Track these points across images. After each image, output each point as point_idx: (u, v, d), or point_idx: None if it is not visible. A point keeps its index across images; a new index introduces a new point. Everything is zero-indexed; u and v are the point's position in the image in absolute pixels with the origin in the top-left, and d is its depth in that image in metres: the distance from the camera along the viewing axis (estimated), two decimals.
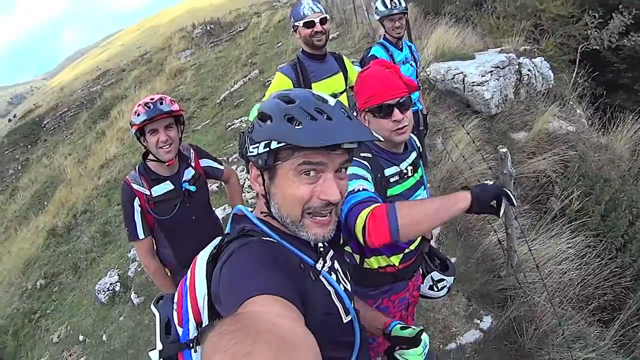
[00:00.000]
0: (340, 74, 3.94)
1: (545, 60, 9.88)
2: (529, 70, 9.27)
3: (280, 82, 3.68)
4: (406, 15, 4.98)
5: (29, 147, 31.31)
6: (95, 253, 9.24)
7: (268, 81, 14.03)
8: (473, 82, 8.51)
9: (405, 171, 2.40)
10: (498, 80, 8.67)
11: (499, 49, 10.26)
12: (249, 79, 16.27)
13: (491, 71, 8.68)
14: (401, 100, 2.25)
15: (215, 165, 3.67)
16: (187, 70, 23.16)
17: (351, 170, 2.13)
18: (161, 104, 3.08)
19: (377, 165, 2.28)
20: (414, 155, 2.49)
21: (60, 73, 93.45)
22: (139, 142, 3.18)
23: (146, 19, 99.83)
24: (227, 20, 34.41)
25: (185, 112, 16.43)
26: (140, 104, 3.12)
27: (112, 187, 12.70)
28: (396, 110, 2.22)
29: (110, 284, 7.43)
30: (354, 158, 2.00)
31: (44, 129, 32.47)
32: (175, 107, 3.16)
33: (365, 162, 2.21)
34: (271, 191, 1.45)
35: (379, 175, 2.27)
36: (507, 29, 12.16)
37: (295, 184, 1.39)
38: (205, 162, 3.60)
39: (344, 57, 4.11)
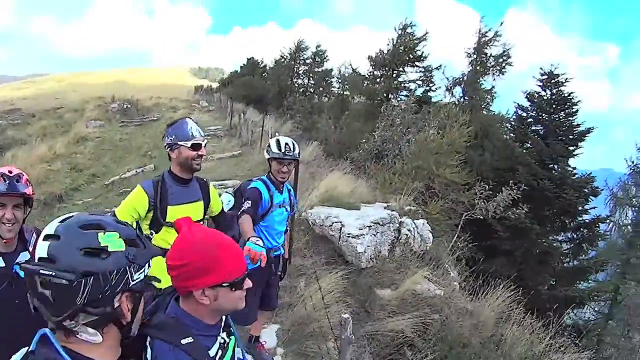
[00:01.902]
0: (201, 203, 3.81)
1: (427, 222, 9.83)
2: (408, 230, 9.12)
3: (137, 197, 3.57)
4: (296, 162, 4.83)
5: None
6: None
7: None
8: (349, 234, 8.21)
9: (223, 341, 2.08)
10: (375, 235, 8.44)
11: (385, 204, 10.23)
12: (143, 171, 16.37)
13: (370, 226, 8.46)
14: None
15: None
16: (90, 140, 23.25)
17: None
18: (17, 181, 2.98)
19: (201, 348, 1.90)
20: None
21: None
22: None
23: (78, 73, 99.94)
24: (144, 105, 35.00)
25: (73, 182, 16.29)
26: None
27: None
28: (247, 279, 1.98)
29: None
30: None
31: None
32: (29, 190, 3.05)
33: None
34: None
35: None
36: (400, 186, 12.24)
37: None
38: None
39: (211, 186, 4.00)
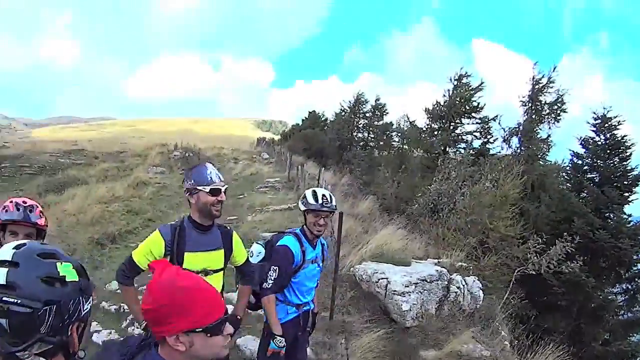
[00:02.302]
0: (221, 251, 3.71)
1: (479, 279, 9.62)
2: (458, 287, 8.92)
3: (154, 241, 3.54)
4: (332, 214, 4.58)
5: None
6: None
7: None
8: (395, 291, 8.10)
9: None
10: (422, 293, 8.30)
11: (436, 260, 10.07)
12: None
13: (417, 283, 8.34)
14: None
15: None
16: (149, 185, 23.52)
17: None
18: (31, 212, 3.14)
19: None
20: None
21: (43, 128, 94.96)
22: None
23: (144, 119, 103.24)
24: (206, 154, 35.40)
25: (128, 225, 16.49)
26: (12, 201, 3.19)
27: None
28: (227, 325, 1.84)
29: None
30: None
31: None
32: (42, 221, 3.21)
33: None
34: None
35: None
36: (453, 242, 12.12)
37: None
38: None
39: (234, 235, 3.86)
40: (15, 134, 74.87)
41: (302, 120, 50.22)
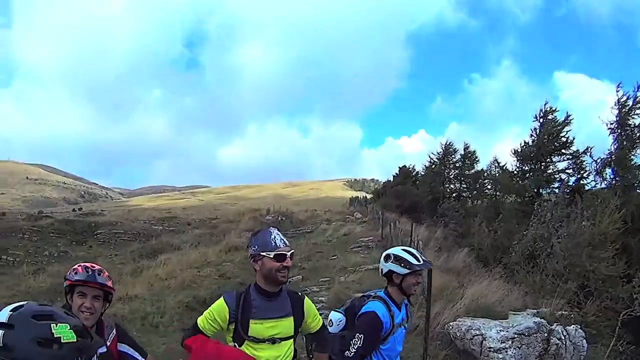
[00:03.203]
0: (291, 319, 3.56)
1: (581, 328, 9.08)
2: (559, 339, 8.41)
3: (218, 308, 3.47)
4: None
5: (73, 243, 32.49)
6: None
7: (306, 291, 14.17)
8: (490, 348, 7.78)
9: None
10: (520, 348, 7.90)
11: (535, 311, 9.63)
12: (290, 281, 16.43)
13: (514, 338, 7.95)
14: None
15: (134, 354, 3.49)
16: (242, 250, 23.55)
17: None
18: (99, 274, 3.27)
19: None
20: None
21: (138, 198, 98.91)
22: (65, 297, 3.33)
23: (236, 186, 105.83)
24: (299, 217, 35.95)
25: (219, 289, 16.15)
26: (81, 265, 3.33)
27: None
28: None
29: None
30: None
31: (95, 236, 33.94)
32: (109, 283, 3.35)
33: None
34: None
35: None
36: (551, 289, 11.64)
37: None
38: (123, 347, 3.46)
39: (306, 301, 3.74)
40: (111, 203, 79.28)
41: (394, 176, 50.12)
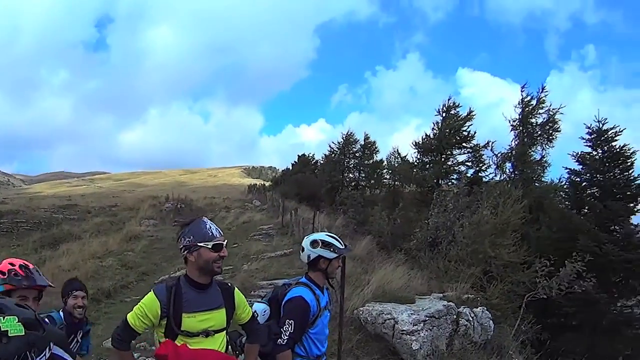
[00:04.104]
0: (223, 311, 3.42)
1: (487, 309, 9.44)
2: (467, 320, 8.71)
3: (148, 304, 3.28)
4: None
5: None
6: None
7: None
8: (403, 331, 7.86)
9: None
10: (431, 330, 8.05)
11: (441, 295, 9.90)
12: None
13: (425, 320, 8.09)
14: None
15: (66, 357, 3.16)
16: (142, 238, 23.75)
17: None
18: (39, 275, 3.34)
19: None
20: None
21: (39, 184, 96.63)
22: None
23: (135, 172, 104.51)
24: (198, 205, 35.97)
25: (122, 280, 16.44)
26: (17, 265, 3.29)
27: None
28: None
29: None
30: None
31: None
32: (49, 282, 3.46)
33: None
34: None
35: None
36: (455, 274, 11.90)
37: None
38: (57, 350, 3.01)
39: (236, 292, 3.61)
40: (12, 190, 75.91)
41: (292, 164, 50.46)
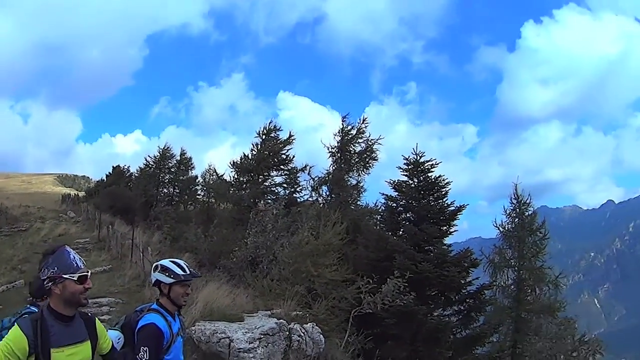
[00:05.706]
0: (88, 343, 3.34)
1: (316, 325, 9.84)
2: (299, 336, 9.13)
3: (15, 340, 3.02)
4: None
5: None
6: None
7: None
8: (240, 349, 8.08)
9: None
10: (267, 347, 8.37)
11: (269, 312, 10.16)
12: (14, 286, 15.21)
13: (260, 338, 8.39)
14: None
15: None
16: None
17: None
18: None
19: None
20: None
21: None
22: None
23: None
24: (13, 214, 32.77)
25: None
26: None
27: None
28: None
29: None
30: None
31: None
32: None
33: None
34: None
35: None
36: (280, 292, 12.17)
37: None
38: None
39: (97, 322, 3.52)
40: None
41: (107, 175, 48.19)
